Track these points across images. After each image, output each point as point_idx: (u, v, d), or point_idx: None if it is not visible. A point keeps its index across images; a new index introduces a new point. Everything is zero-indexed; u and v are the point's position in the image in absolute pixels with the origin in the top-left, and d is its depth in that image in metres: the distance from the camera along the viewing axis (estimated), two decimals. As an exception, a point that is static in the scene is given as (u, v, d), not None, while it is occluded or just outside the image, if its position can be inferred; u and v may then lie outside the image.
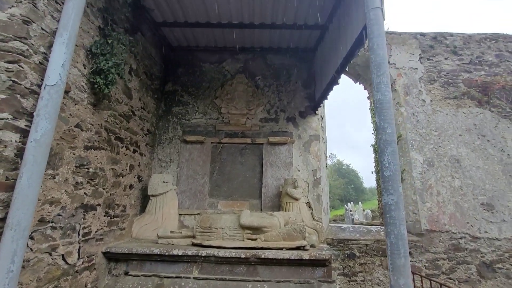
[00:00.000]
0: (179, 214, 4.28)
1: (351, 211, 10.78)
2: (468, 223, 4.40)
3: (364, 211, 9.50)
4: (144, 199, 4.23)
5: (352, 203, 13.81)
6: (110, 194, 3.30)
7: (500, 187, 4.55)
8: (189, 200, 4.45)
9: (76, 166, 2.66)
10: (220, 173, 4.66)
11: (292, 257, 3.00)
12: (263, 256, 3.02)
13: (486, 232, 4.35)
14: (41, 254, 2.21)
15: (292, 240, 3.28)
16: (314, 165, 4.69)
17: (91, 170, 2.90)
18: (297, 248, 3.24)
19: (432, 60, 5.37)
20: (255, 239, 3.29)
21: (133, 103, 3.89)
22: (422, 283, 3.66)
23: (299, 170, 4.66)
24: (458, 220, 4.40)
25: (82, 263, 2.76)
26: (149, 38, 4.38)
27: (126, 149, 3.69)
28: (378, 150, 2.02)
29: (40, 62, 2.18)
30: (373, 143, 5.62)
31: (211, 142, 4.76)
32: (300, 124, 4.91)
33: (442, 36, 5.55)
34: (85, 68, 2.76)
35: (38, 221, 2.20)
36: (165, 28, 4.58)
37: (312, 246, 3.41)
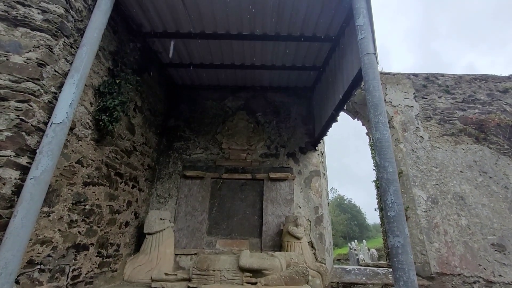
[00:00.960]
0: (175, 254, 4.07)
1: (355, 250, 10.23)
2: (480, 265, 4.15)
3: (369, 250, 9.03)
4: (140, 237, 4.06)
5: (356, 241, 13.20)
6: (105, 233, 3.18)
7: (509, 226, 4.39)
8: (186, 239, 4.26)
9: (72, 203, 2.60)
10: (220, 209, 4.54)
11: (295, 305, 2.78)
12: (263, 303, 2.80)
13: (500, 275, 4.09)
14: (24, 300, 2.06)
15: (294, 284, 3.07)
16: (316, 202, 4.59)
17: (87, 207, 2.83)
18: (300, 294, 3.02)
19: (427, 98, 5.57)
20: (255, 283, 3.08)
21: (136, 139, 3.95)
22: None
23: (300, 207, 4.55)
24: (470, 262, 4.17)
25: (68, 311, 2.55)
26: (155, 77, 4.60)
27: (125, 185, 3.64)
28: (380, 189, 1.99)
29: (49, 101, 2.26)
30: (375, 179, 5.56)
31: (211, 178, 4.72)
32: (301, 160, 4.92)
33: (434, 76, 5.83)
34: (91, 106, 2.85)
35: (26, 263, 2.08)
36: (171, 69, 4.83)
37: (316, 291, 3.18)
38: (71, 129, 2.55)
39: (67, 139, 2.49)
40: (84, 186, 2.77)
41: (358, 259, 9.30)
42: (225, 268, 3.19)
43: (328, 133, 4.47)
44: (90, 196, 2.87)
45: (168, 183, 4.69)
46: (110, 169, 3.26)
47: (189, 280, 3.26)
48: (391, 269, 4.57)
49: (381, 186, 2.00)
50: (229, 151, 4.91)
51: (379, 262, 5.06)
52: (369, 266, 4.83)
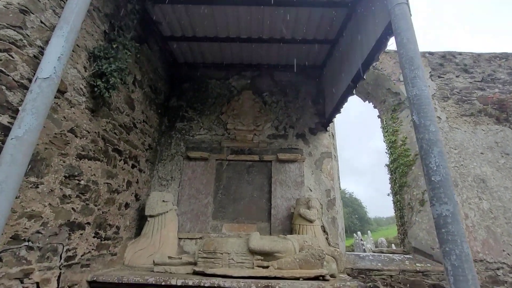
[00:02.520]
0: (179, 238, 3.83)
1: (361, 240, 10.03)
2: (504, 251, 3.90)
3: (378, 240, 8.79)
4: (141, 221, 3.80)
5: (360, 232, 13.01)
6: (103, 212, 2.91)
7: (534, 210, 4.12)
8: (191, 223, 4.01)
9: (65, 176, 2.33)
10: (225, 192, 4.27)
11: (312, 289, 2.53)
12: (277, 288, 2.54)
13: (525, 261, 3.84)
14: (8, 280, 1.80)
15: (310, 268, 2.81)
16: (327, 185, 4.31)
17: (82, 182, 2.56)
18: (315, 278, 2.77)
19: (443, 77, 5.25)
20: (267, 267, 2.83)
21: (135, 115, 3.66)
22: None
23: (311, 190, 4.27)
24: (492, 248, 3.91)
25: (62, 295, 2.30)
26: (155, 52, 4.28)
27: (124, 163, 3.37)
28: (421, 152, 1.70)
29: (34, 56, 1.97)
30: (388, 163, 5.28)
31: (216, 159, 4.44)
32: (311, 141, 4.63)
33: (451, 55, 5.49)
34: (85, 71, 2.55)
35: (10, 238, 1.82)
36: (172, 43, 4.51)
37: (332, 276, 2.93)
38: (62, 92, 2.26)
39: (57, 103, 2.21)
40: (78, 159, 2.49)
41: (364, 249, 9.10)
42: (234, 251, 2.94)
43: (341, 110, 4.16)
44: (85, 170, 2.59)
45: (171, 165, 4.42)
46: (107, 144, 2.98)
47: (195, 263, 3.01)
48: (407, 255, 4.32)
49: (421, 149, 1.71)
50: (234, 132, 4.62)
51: (394, 249, 4.82)
52: (383, 252, 4.59)
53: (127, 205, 3.47)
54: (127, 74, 3.01)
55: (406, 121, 5.00)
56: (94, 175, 2.74)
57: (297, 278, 2.74)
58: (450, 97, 5.05)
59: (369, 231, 12.55)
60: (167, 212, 3.67)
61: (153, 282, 2.62)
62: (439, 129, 1.72)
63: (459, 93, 5.11)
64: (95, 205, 2.77)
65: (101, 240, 2.90)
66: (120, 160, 3.27)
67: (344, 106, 3.94)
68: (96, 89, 2.59)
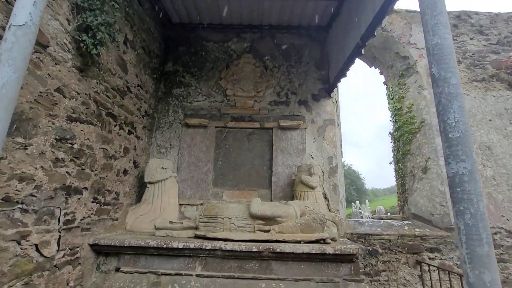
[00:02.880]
0: (180, 204, 3.83)
1: (359, 208, 10.29)
2: (503, 216, 3.92)
3: (376, 207, 8.99)
4: (141, 188, 3.77)
5: (358, 202, 13.32)
6: (100, 178, 2.84)
7: (537, 177, 4.08)
8: (191, 190, 3.99)
9: (56, 139, 2.20)
10: (226, 160, 4.20)
11: (313, 251, 2.54)
12: (278, 250, 2.55)
13: (523, 226, 3.88)
14: (4, 242, 1.76)
15: (311, 231, 2.81)
16: (330, 152, 4.23)
17: (75, 146, 2.44)
18: (316, 242, 2.78)
19: (456, 40, 4.92)
20: (268, 231, 2.83)
21: (129, 79, 3.44)
22: (450, 281, 3.20)
23: (313, 158, 4.20)
24: (492, 213, 3.93)
25: (63, 256, 2.30)
26: (147, 10, 3.94)
27: (120, 129, 3.24)
28: (438, 108, 1.55)
29: (7, 1, 1.73)
30: (391, 131, 5.15)
31: (216, 127, 4.30)
32: (313, 108, 4.46)
33: (467, 14, 5.10)
34: (69, 24, 2.31)
35: (2, 199, 1.74)
36: (165, 0, 4.14)
37: (332, 239, 2.94)
38: (44, 46, 2.05)
39: (39, 59, 2.01)
40: (69, 121, 2.35)
41: (362, 217, 9.34)
42: (235, 216, 2.92)
43: (347, 75, 3.93)
44: (78, 134, 2.47)
45: (169, 133, 4.29)
46: (100, 108, 2.82)
47: (196, 228, 3.01)
48: (406, 221, 4.37)
49: (439, 104, 1.56)
50: (234, 98, 4.42)
51: (393, 215, 4.88)
52: (382, 219, 4.65)
53: (125, 172, 3.41)
54: (116, 30, 2.76)
55: (414, 87, 4.78)
56: (88, 139, 2.62)
57: (298, 242, 2.75)
58: (462, 61, 4.78)
59: (366, 201, 12.83)
60: (166, 179, 3.62)
61: (155, 245, 2.62)
62: (459, 82, 1.56)
63: (471, 56, 4.82)
64: (92, 170, 2.69)
65: (101, 205, 2.87)
66: (115, 126, 3.13)
67: (350, 69, 3.71)
68: (82, 44, 2.37)
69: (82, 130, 2.53)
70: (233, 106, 4.39)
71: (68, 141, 2.35)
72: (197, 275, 2.59)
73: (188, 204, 3.86)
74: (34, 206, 1.99)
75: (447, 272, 3.48)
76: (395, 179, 5.02)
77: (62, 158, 2.27)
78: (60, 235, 2.26)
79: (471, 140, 1.45)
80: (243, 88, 4.46)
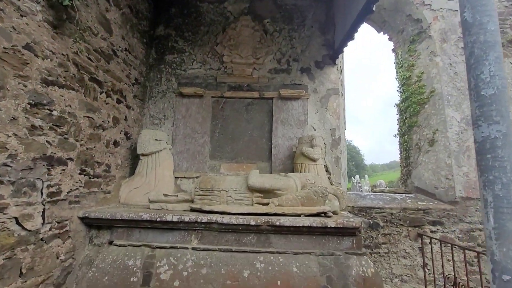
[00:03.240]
0: (176, 177, 3.69)
1: (359, 183, 10.31)
2: (510, 190, 3.80)
3: (376, 182, 8.96)
4: (134, 160, 3.60)
5: (358, 176, 13.34)
6: (87, 149, 2.65)
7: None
8: (187, 162, 3.83)
9: (30, 104, 1.97)
10: (223, 131, 3.99)
11: (314, 225, 2.42)
12: (277, 223, 2.43)
13: (530, 200, 3.77)
14: (-24, 214, 1.60)
15: (312, 204, 2.68)
16: (333, 124, 4.00)
17: (55, 113, 2.22)
18: (317, 215, 2.66)
19: (476, 0, 4.47)
20: (267, 204, 2.70)
21: (114, 41, 3.12)
22: (452, 253, 3.13)
23: (314, 129, 3.98)
24: None
25: (50, 230, 2.18)
26: (132, -38, 3.49)
27: (107, 96, 2.98)
28: (470, 61, 1.30)
29: None
30: (398, 102, 4.88)
31: (212, 96, 4.03)
32: (317, 76, 4.15)
33: (489, -29, 4.58)
34: (35, -31, 1.97)
35: (-32, 169, 1.56)
36: (152, -50, 3.66)
37: (334, 213, 2.82)
38: (3, -8, 1.74)
39: (-1, 7, 1.72)
40: (44, 85, 2.10)
41: (361, 191, 9.37)
42: (232, 189, 2.77)
43: (354, 37, 3.58)
44: (57, 99, 2.23)
45: (162, 103, 4.04)
46: (82, 72, 2.55)
47: (192, 201, 2.89)
48: (409, 195, 4.26)
49: (471, 56, 1.31)
50: (231, 66, 4.10)
51: (395, 189, 4.79)
52: (384, 192, 4.56)
53: (116, 143, 3.21)
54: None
55: (425, 54, 4.42)
56: (70, 106, 2.39)
57: (298, 215, 2.63)
58: (480, 25, 4.37)
59: (366, 175, 12.86)
60: (160, 150, 3.43)
61: (148, 218, 2.50)
62: (498, 29, 1.29)
63: (491, 20, 4.40)
64: (77, 140, 2.49)
65: (90, 178, 2.71)
66: (101, 93, 2.88)
67: (358, 30, 3.36)
68: (52, -6, 2.04)
69: (62, 96, 2.29)
70: (231, 74, 4.09)
71: (46, 107, 2.12)
72: (193, 248, 2.50)
73: (184, 177, 3.72)
74: (9, 177, 1.82)
75: (449, 245, 3.43)
76: (399, 153, 4.84)
77: (39, 126, 2.06)
78: (44, 208, 2.11)
79: (507, 98, 1.22)
80: (241, 54, 4.12)
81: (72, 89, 2.41)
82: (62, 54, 2.28)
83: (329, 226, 2.41)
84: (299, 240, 2.51)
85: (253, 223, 2.44)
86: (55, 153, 2.22)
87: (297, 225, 2.42)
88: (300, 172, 3.37)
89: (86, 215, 2.53)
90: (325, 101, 4.07)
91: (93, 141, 2.75)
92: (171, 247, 2.51)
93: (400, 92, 4.79)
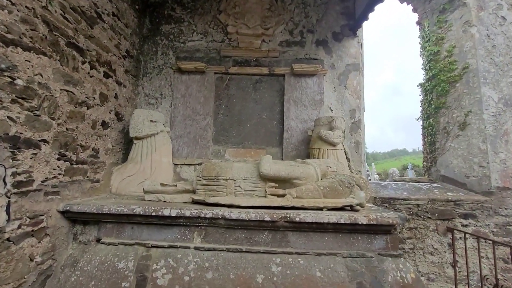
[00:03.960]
0: (175, 164, 3.26)
1: (367, 171, 9.92)
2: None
3: (389, 170, 8.51)
4: (128, 145, 3.17)
5: (369, 164, 12.90)
6: (67, 129, 2.21)
7: None
8: (188, 148, 3.39)
9: (-18, 68, 1.51)
10: (228, 113, 3.52)
11: (342, 221, 2.00)
12: (297, 219, 2.01)
13: None
14: None
15: (336, 196, 2.26)
16: (352, 104, 3.53)
17: (19, 82, 1.75)
18: (341, 208, 2.25)
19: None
20: (283, 195, 2.27)
21: (99, 1, 2.60)
22: (478, 247, 2.75)
23: (332, 110, 3.51)
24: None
25: (20, 227, 1.77)
26: None
27: (91, 68, 2.50)
28: None
29: None
30: (422, 82, 4.37)
31: (215, 72, 3.54)
32: (334, 50, 3.64)
33: None
34: None
35: None
36: None
37: (359, 205, 2.40)
38: None
39: None
40: (2, 45, 1.63)
41: (370, 179, 8.99)
42: (241, 177, 2.34)
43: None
44: (21, 65, 1.76)
45: (159, 80, 3.55)
46: (56, 33, 2.06)
47: (193, 191, 2.46)
48: (435, 184, 3.83)
49: None
50: (237, 37, 3.58)
51: (418, 177, 4.37)
52: (405, 181, 4.14)
53: (105, 124, 2.76)
54: None
55: (458, 25, 3.87)
56: (40, 75, 1.92)
57: (321, 208, 2.21)
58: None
59: (372, 163, 12.45)
60: (157, 133, 2.99)
61: (141, 213, 2.09)
62: None
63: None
64: (52, 119, 2.04)
65: (72, 164, 2.28)
66: (83, 63, 2.40)
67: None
68: None
69: (29, 61, 1.82)
70: (236, 47, 3.57)
71: (5, 73, 1.65)
72: (196, 248, 2.10)
73: (185, 164, 3.30)
74: (-47, 162, 1.38)
75: (482, 240, 3.04)
76: (422, 138, 4.38)
77: (-3, 97, 1.60)
78: (9, 201, 1.69)
79: None
80: (248, 24, 3.58)
81: (43, 54, 1.94)
82: (26, 7, 1.79)
83: (359, 222, 1.99)
84: (322, 238, 2.10)
85: (268, 218, 2.03)
86: (21, 133, 1.77)
87: (321, 221, 2.00)
88: (318, 158, 2.93)
89: (68, 208, 2.12)
90: (344, 78, 3.57)
91: (75, 121, 2.30)
92: (170, 246, 2.11)
93: (426, 70, 4.26)
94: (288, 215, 2.03)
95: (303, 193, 2.24)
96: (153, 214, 2.08)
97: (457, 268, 3.12)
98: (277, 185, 2.31)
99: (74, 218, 2.21)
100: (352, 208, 2.28)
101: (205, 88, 3.50)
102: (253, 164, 2.45)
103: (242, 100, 3.53)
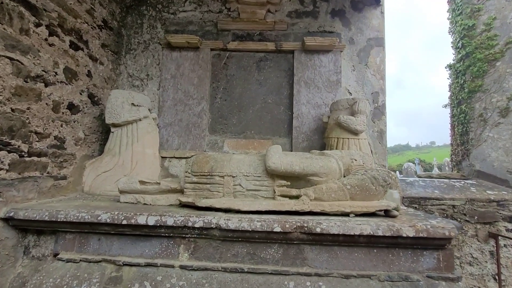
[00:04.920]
0: (163, 157, 2.73)
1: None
2: None
3: (404, 165, 7.95)
4: (107, 134, 2.64)
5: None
6: (12, 110, 1.67)
7: None
8: (179, 138, 2.85)
9: None
10: (227, 97, 2.97)
11: (380, 232, 1.46)
12: (318, 230, 1.48)
13: None
14: None
15: (367, 198, 1.72)
16: (375, 86, 2.96)
17: None
18: (372, 214, 1.71)
19: None
20: (297, 197, 1.74)
21: (61, -50, 2.04)
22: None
23: (350, 93, 2.95)
24: None
25: None
26: None
27: (50, 34, 1.96)
28: None
29: None
30: (453, 62, 3.78)
31: (211, 49, 2.98)
32: (353, 22, 3.06)
33: None
34: None
35: None
36: None
37: (396, 209, 1.86)
38: None
39: None
40: None
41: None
42: (242, 173, 1.81)
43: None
44: None
45: (145, 57, 3.00)
46: (-9, -21, 1.51)
47: (181, 191, 1.94)
48: (469, 181, 3.28)
49: None
50: (237, 6, 3.00)
51: (447, 173, 3.82)
52: (431, 177, 3.60)
53: (73, 108, 2.23)
54: None
55: (499, -7, 3.27)
56: (-38, 31, 1.38)
57: (346, 214, 1.68)
58: None
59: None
60: (139, 120, 2.45)
61: (108, 221, 1.56)
62: None
63: None
64: (-14, 94, 1.51)
65: (22, 156, 1.75)
66: (38, 26, 1.85)
67: None
68: None
69: None
70: (236, 19, 3.00)
71: None
72: (182, 267, 1.57)
73: (175, 157, 2.76)
74: None
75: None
76: (450, 127, 3.81)
77: None
78: None
79: None
80: (251, -9, 3.00)
81: (-34, 2, 1.39)
82: None
83: (404, 235, 1.46)
84: (350, 255, 1.56)
85: (278, 228, 1.49)
86: None
87: (351, 233, 1.47)
88: (336, 149, 2.38)
89: (12, 214, 1.60)
90: (365, 55, 3.00)
91: (25, 99, 1.76)
92: (148, 265, 1.59)
93: (457, 48, 3.67)
94: (305, 225, 1.50)
95: (324, 194, 1.70)
96: (124, 222, 1.56)
97: (501, 282, 2.59)
98: (288, 183, 1.77)
99: (24, 226, 1.70)
100: (387, 213, 1.74)
101: (199, 67, 2.94)
102: (258, 157, 1.91)
103: (243, 82, 2.98)
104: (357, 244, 1.54)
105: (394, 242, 1.51)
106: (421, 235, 1.46)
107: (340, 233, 1.48)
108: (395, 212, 1.71)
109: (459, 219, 2.78)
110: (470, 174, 3.43)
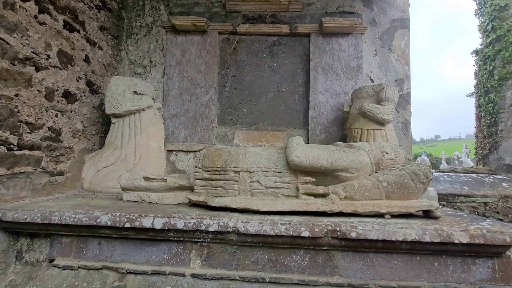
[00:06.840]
0: (168, 151, 2.52)
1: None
2: None
3: (417, 159, 7.64)
4: (108, 126, 2.42)
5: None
6: (-2, 97, 1.46)
7: None
8: (186, 130, 2.63)
9: None
10: (237, 85, 2.74)
11: (427, 238, 1.24)
12: (353, 235, 1.26)
13: None
14: None
15: (405, 196, 1.49)
16: (400, 72, 2.70)
17: None
18: (410, 215, 1.49)
19: None
20: (324, 195, 1.51)
21: None
22: None
23: (372, 80, 2.70)
24: None
25: None
26: None
27: (40, 12, 1.73)
28: None
29: None
30: (480, 47, 3.49)
31: (220, 32, 2.73)
32: (375, 1, 2.78)
33: None
34: None
35: None
36: None
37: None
38: None
39: None
40: None
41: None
42: (260, 168, 1.59)
43: None
44: None
45: (147, 42, 2.76)
46: None
47: (190, 189, 1.73)
48: (498, 176, 3.03)
49: None
50: (248, -15, 2.74)
51: (474, 167, 3.57)
52: (456, 172, 3.35)
53: (70, 96, 2.02)
54: None
55: (536, -32, 2.95)
56: None
57: (381, 215, 1.46)
58: None
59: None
60: (143, 109, 2.23)
61: (109, 224, 1.36)
62: None
63: None
64: (-35, 77, 1.29)
65: (11, 149, 1.55)
66: (24, 1, 1.62)
67: None
68: None
69: None
70: (247, -1, 2.74)
71: None
72: (194, 275, 1.37)
73: (181, 151, 2.55)
74: None
75: None
76: (476, 118, 3.55)
77: None
78: None
79: None
80: (262, -32, 2.73)
81: None
82: None
83: (455, 241, 1.23)
84: (389, 263, 1.35)
85: (306, 233, 1.28)
86: None
87: (392, 239, 1.25)
88: (360, 141, 2.14)
89: (0, 215, 1.40)
90: (388, 38, 2.73)
91: (12, 85, 1.55)
92: (155, 273, 1.39)
93: (486, 32, 3.37)
94: (338, 228, 1.28)
95: (356, 192, 1.48)
96: (127, 225, 1.35)
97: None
98: (314, 179, 1.55)
99: (15, 229, 1.50)
100: (426, 214, 1.52)
101: (207, 52, 2.70)
102: (277, 149, 1.69)
103: (254, 69, 2.73)
104: (397, 250, 1.32)
105: (443, 249, 1.29)
106: (476, 241, 1.23)
107: (380, 239, 1.26)
108: (438, 213, 1.48)
109: (492, 218, 2.54)
110: (499, 168, 3.17)
